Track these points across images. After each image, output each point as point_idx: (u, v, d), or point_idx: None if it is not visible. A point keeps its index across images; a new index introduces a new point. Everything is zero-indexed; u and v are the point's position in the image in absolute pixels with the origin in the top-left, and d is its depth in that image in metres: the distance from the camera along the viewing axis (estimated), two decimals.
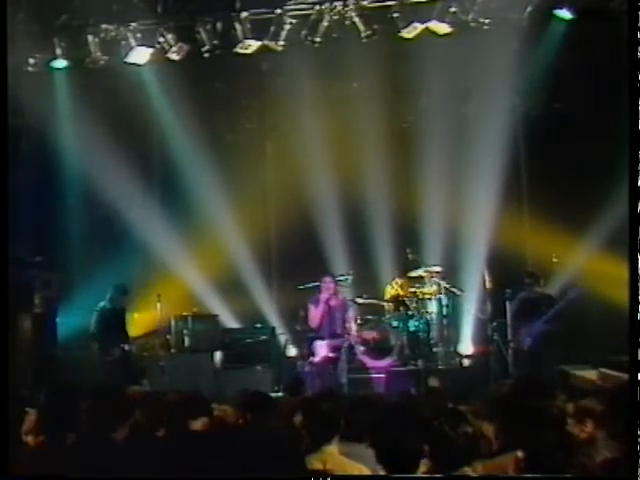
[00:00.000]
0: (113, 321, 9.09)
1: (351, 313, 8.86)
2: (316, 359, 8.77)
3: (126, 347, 9.01)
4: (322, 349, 8.78)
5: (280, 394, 7.49)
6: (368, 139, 10.39)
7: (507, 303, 9.03)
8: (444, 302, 9.91)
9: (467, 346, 10.14)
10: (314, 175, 10.48)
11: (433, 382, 8.21)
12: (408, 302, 9.98)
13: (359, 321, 9.38)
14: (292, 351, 10.37)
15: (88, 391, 3.95)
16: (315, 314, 8.78)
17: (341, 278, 9.34)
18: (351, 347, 8.93)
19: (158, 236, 10.63)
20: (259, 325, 10.57)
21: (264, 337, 10.17)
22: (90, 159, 10.20)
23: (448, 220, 10.32)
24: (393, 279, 10.23)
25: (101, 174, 10.17)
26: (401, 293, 10.11)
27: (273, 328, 10.49)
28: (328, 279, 8.97)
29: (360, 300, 9.83)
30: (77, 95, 10.00)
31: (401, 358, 9.50)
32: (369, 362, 9.29)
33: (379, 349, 9.50)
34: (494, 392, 4.89)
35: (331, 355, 8.67)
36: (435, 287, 9.91)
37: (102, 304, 9.09)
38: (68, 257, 10.11)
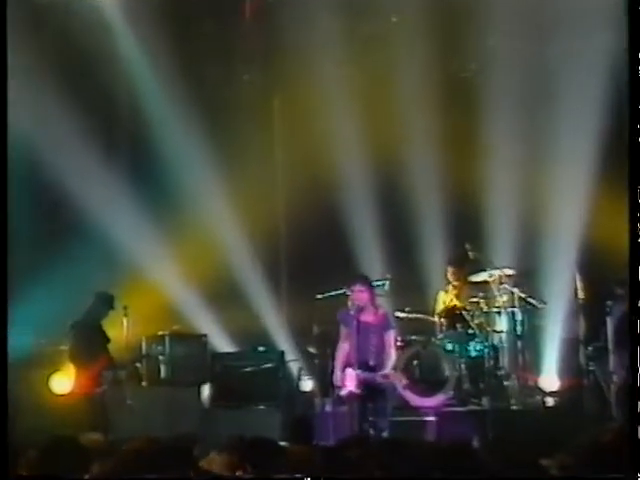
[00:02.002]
0: (94, 340, 9.30)
1: (392, 333, 8.57)
2: (342, 394, 8.50)
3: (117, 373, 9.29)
4: (350, 382, 8.46)
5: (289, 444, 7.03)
6: (411, 95, 10.48)
7: (608, 320, 9.04)
8: (518, 317, 9.89)
9: (551, 379, 10.18)
10: (337, 145, 10.69)
11: (504, 428, 8.37)
12: (468, 317, 9.97)
13: (399, 343, 9.29)
14: (308, 384, 10.50)
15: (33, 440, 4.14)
16: (344, 335, 8.50)
17: (375, 284, 9.09)
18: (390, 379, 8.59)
19: (125, 228, 10.72)
20: (262, 348, 10.61)
21: (269, 365, 10.21)
22: (33, 123, 10.18)
23: (523, 206, 10.40)
24: (447, 285, 10.28)
25: (49, 145, 10.25)
26: (458, 305, 10.13)
27: (282, 352, 10.53)
28: (359, 285, 8.54)
29: (401, 314, 9.85)
30: (18, 39, 9.70)
31: (458, 395, 9.52)
32: (414, 400, 9.32)
33: (428, 382, 9.54)
34: (591, 442, 4.81)
35: (360, 391, 8.37)
36: (506, 297, 9.88)
37: (79, 319, 9.28)
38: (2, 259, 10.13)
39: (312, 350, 10.18)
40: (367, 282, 8.60)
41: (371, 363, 8.41)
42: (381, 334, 8.47)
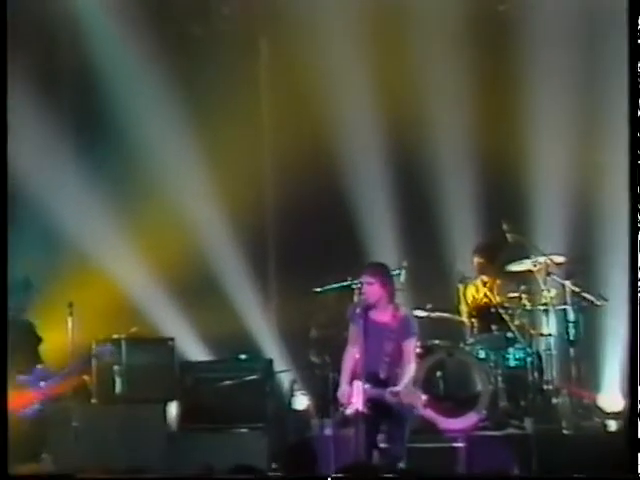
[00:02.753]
0: (19, 341, 8.94)
1: (412, 341, 8.46)
2: (347, 414, 8.35)
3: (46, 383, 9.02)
4: (357, 398, 8.31)
5: (278, 476, 7.78)
6: (433, 36, 10.36)
7: None
8: (571, 317, 9.71)
9: (614, 396, 10.10)
10: (339, 100, 10.60)
11: (551, 457, 8.44)
12: (506, 316, 9.80)
13: (418, 350, 9.06)
14: (302, 401, 10.34)
15: None
16: (354, 337, 8.42)
17: (392, 275, 8.97)
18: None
19: (71, 206, 10.74)
20: (245, 356, 10.43)
21: (254, 376, 10.10)
22: None
23: (575, 178, 10.35)
24: (477, 277, 10.22)
25: None
26: (493, 300, 10.03)
27: (270, 361, 10.37)
28: (368, 276, 8.44)
29: (421, 313, 9.78)
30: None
31: (494, 415, 9.49)
32: (438, 421, 9.31)
33: (455, 399, 9.52)
34: None
35: (370, 410, 8.21)
36: (555, 291, 9.74)
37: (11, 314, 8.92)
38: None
39: (309, 358, 10.22)
40: (380, 272, 8.53)
41: (382, 376, 8.32)
42: (398, 341, 8.37)
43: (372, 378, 8.18)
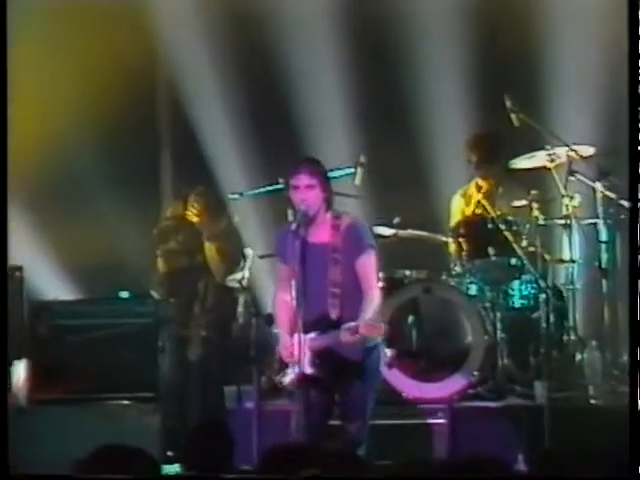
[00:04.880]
0: None
1: (367, 257, 8.41)
2: (285, 380, 8.36)
3: None
4: (299, 356, 8.34)
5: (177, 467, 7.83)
6: None
7: None
8: (602, 236, 9.71)
9: None
10: None
11: (573, 439, 8.61)
12: (509, 234, 9.75)
13: (382, 284, 9.16)
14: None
15: None
16: (283, 277, 8.49)
17: (336, 174, 9.32)
18: (370, 350, 8.30)
19: None
20: (126, 294, 10.35)
21: (140, 324, 9.95)
22: None
23: (611, 32, 10.34)
24: (469, 182, 10.34)
25: None
26: (491, 212, 9.99)
27: (163, 302, 10.22)
28: (304, 176, 8.40)
29: (387, 231, 9.95)
30: None
31: (489, 378, 9.51)
32: (410, 386, 9.43)
33: (435, 355, 9.59)
34: None
35: (317, 371, 8.26)
36: (579, 198, 9.73)
37: None
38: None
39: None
40: (318, 170, 8.50)
41: (333, 315, 8.28)
42: (348, 262, 8.37)
43: (319, 321, 8.17)
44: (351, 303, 8.24)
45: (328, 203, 8.27)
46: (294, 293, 8.31)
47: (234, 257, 10.53)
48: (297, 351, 8.28)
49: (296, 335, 8.22)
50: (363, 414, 8.28)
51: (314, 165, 8.46)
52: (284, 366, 8.38)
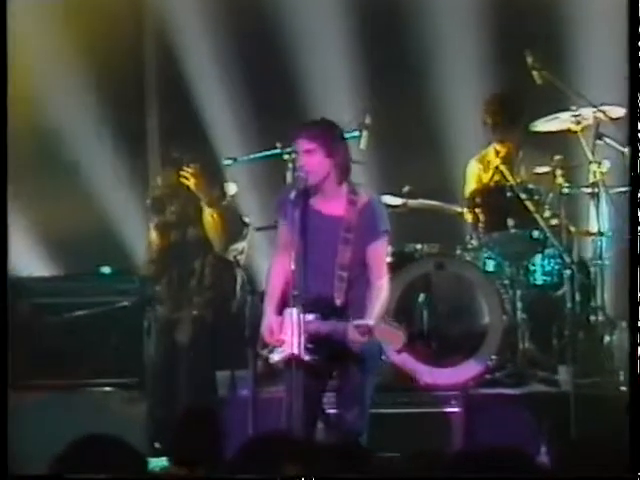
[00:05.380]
0: None
1: (381, 243, 8.37)
2: (274, 360, 8.27)
3: None
4: (293, 336, 8.19)
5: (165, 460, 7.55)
6: None
7: None
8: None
9: None
10: None
11: (602, 427, 8.69)
12: (530, 204, 9.75)
13: (390, 259, 9.15)
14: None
15: None
16: (282, 244, 8.38)
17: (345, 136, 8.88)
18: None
19: None
20: (109, 270, 10.45)
21: (125, 303, 10.04)
22: None
23: None
24: (489, 143, 10.30)
25: None
26: (510, 179, 9.98)
27: (147, 278, 10.30)
28: (305, 140, 8.28)
29: (394, 200, 10.01)
30: None
31: (508, 363, 9.60)
32: (421, 372, 9.54)
33: (448, 339, 9.67)
34: None
35: (313, 354, 8.15)
36: (606, 165, 9.72)
37: None
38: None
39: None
40: (324, 133, 8.38)
41: (338, 302, 8.23)
42: (359, 244, 8.27)
43: (321, 304, 8.10)
44: (357, 290, 8.21)
45: (340, 171, 8.15)
46: (293, 265, 8.14)
47: (236, 224, 10.43)
48: (289, 331, 8.18)
49: (287, 312, 8.11)
50: (361, 401, 8.24)
51: (314, 128, 8.35)
52: (266, 345, 8.32)
